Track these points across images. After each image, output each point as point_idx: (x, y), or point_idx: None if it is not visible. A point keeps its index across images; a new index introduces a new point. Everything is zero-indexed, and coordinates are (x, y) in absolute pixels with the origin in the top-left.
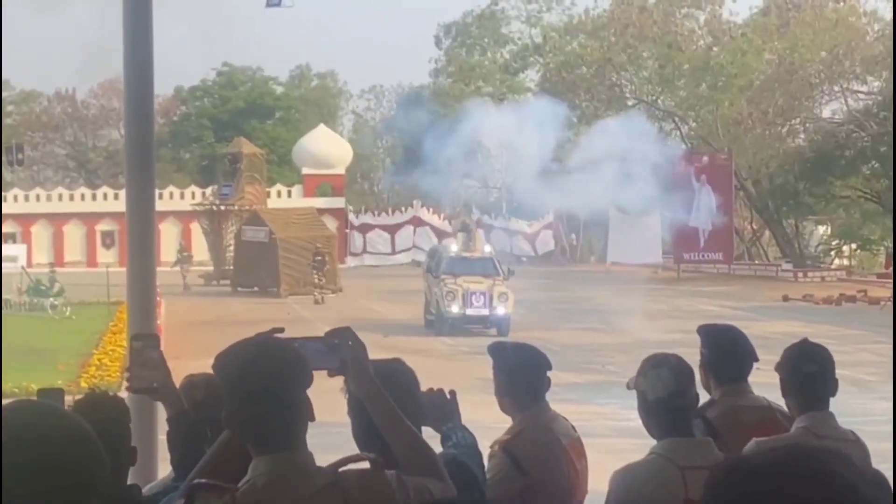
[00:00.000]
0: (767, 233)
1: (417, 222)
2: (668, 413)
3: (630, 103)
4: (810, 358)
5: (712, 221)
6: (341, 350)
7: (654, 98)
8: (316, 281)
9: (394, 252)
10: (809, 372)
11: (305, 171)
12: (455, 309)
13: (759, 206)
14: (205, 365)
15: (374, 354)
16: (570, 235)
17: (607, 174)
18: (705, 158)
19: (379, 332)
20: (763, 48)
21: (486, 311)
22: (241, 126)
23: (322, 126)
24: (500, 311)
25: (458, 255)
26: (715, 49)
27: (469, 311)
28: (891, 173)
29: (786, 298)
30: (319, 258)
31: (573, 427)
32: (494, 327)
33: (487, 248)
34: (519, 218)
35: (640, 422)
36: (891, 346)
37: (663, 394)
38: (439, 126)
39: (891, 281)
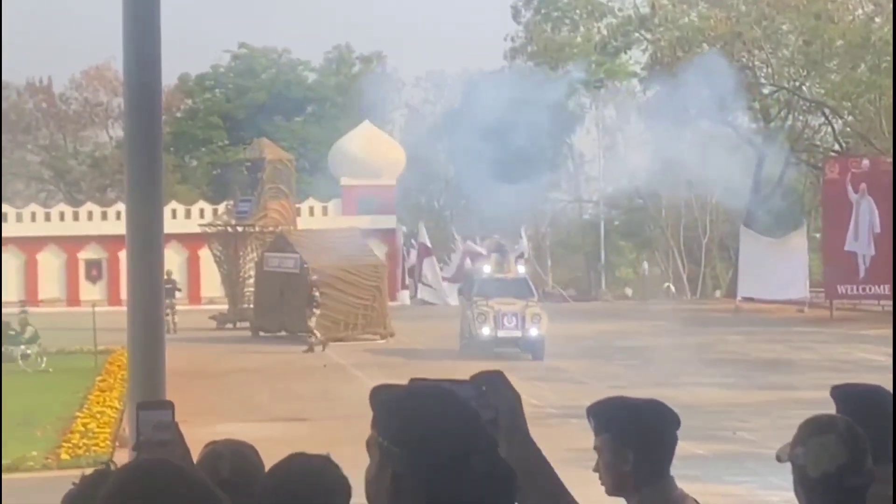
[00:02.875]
0: None
1: (424, 252)
2: (839, 494)
3: (766, 90)
4: None
5: (875, 244)
6: (491, 399)
7: (797, 84)
8: (311, 324)
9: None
10: None
11: (345, 181)
12: (486, 331)
13: None
14: (220, 431)
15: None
16: (643, 266)
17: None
18: (866, 162)
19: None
20: None
21: (518, 333)
22: (262, 125)
23: (367, 123)
24: (533, 332)
25: (490, 276)
26: (877, 20)
27: (501, 333)
28: None
29: None
30: (314, 294)
31: None
32: (528, 352)
33: (521, 269)
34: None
35: None
36: None
37: (831, 468)
38: (517, 123)
39: None
